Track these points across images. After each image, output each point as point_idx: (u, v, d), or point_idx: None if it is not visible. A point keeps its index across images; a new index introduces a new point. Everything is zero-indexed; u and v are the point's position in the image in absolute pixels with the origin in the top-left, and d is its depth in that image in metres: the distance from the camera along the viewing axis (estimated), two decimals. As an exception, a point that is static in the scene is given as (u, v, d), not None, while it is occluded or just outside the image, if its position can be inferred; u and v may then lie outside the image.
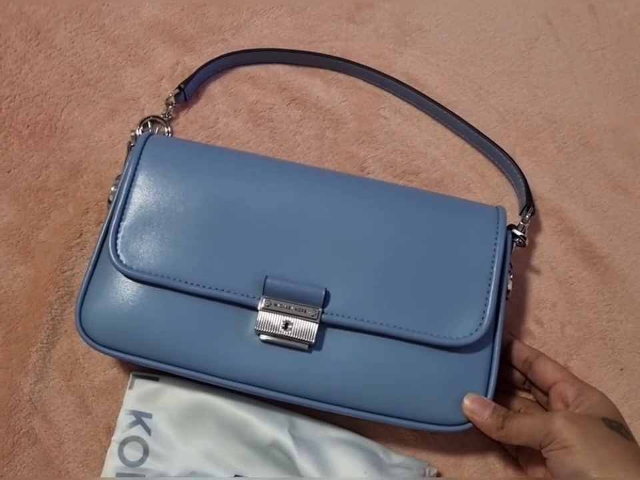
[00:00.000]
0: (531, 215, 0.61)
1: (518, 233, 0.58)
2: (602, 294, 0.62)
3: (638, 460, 0.47)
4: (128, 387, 0.55)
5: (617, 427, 0.49)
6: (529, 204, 0.61)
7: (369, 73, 0.68)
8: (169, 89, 0.66)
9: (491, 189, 0.65)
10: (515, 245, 0.57)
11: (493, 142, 0.65)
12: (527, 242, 0.58)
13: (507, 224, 0.56)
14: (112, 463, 0.53)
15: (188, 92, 0.65)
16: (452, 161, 0.66)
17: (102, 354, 0.56)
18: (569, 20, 0.73)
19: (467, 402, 0.52)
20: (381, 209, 0.55)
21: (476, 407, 0.51)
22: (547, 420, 0.49)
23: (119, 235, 0.53)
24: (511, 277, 0.56)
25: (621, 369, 0.60)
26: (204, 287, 0.52)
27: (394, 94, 0.68)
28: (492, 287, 0.53)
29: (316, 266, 0.53)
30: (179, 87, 0.64)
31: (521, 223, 0.60)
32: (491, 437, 0.51)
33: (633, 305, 0.62)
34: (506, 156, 0.64)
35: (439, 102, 0.67)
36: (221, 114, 0.66)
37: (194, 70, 0.66)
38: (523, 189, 0.62)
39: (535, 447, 0.49)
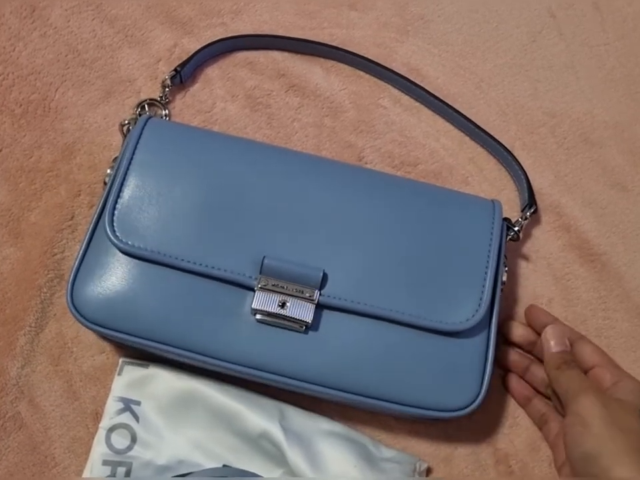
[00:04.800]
0: (532, 213, 0.61)
1: (514, 227, 0.59)
2: (598, 291, 0.62)
3: None
4: (117, 373, 0.54)
5: None
6: (531, 202, 0.61)
7: (368, 64, 0.67)
8: (166, 72, 0.65)
9: (489, 183, 0.65)
10: (508, 238, 0.58)
11: (492, 136, 0.64)
12: (520, 236, 0.59)
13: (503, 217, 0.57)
14: (99, 450, 0.52)
15: (184, 75, 0.64)
16: (451, 153, 0.65)
17: (91, 339, 0.56)
18: (573, 14, 0.72)
19: (550, 329, 0.54)
20: (379, 196, 0.55)
21: (557, 336, 0.53)
22: (580, 392, 0.49)
23: (116, 211, 0.52)
24: (506, 268, 0.56)
25: (616, 368, 0.60)
26: (200, 264, 0.51)
27: (393, 86, 0.67)
28: (488, 275, 0.53)
29: (314, 248, 0.53)
30: (175, 69, 0.63)
31: (519, 220, 0.60)
32: (546, 368, 0.53)
33: (629, 304, 0.61)
34: (506, 151, 0.64)
35: (439, 94, 0.66)
36: (218, 99, 0.65)
37: (191, 53, 0.65)
38: (525, 184, 0.62)
39: (562, 404, 0.50)
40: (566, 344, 0.54)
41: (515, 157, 0.63)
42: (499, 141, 0.64)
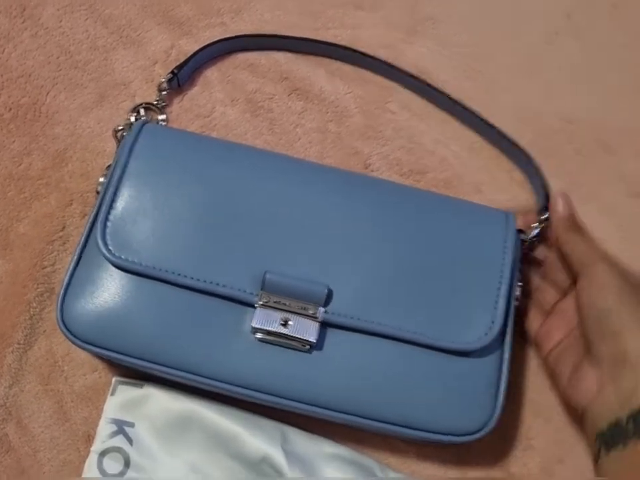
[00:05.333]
0: (546, 219, 0.57)
1: (528, 236, 0.56)
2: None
3: None
4: (110, 393, 0.52)
5: None
6: (546, 205, 0.58)
7: (376, 63, 0.64)
8: (162, 74, 0.62)
9: (502, 191, 0.62)
10: (526, 245, 0.56)
11: (505, 135, 0.62)
12: (536, 244, 0.57)
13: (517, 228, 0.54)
14: (90, 475, 0.50)
15: (182, 78, 0.61)
16: (461, 161, 0.62)
17: (83, 357, 0.54)
18: (590, 15, 0.69)
19: (558, 194, 0.55)
20: (386, 208, 0.53)
21: (563, 202, 0.55)
22: (596, 259, 0.50)
23: (109, 223, 0.50)
24: (520, 283, 0.54)
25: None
26: (198, 280, 0.49)
27: (403, 86, 0.65)
28: (501, 291, 0.51)
29: (318, 263, 0.50)
30: (172, 72, 0.60)
31: (534, 226, 0.57)
32: (556, 232, 0.54)
33: (647, 319, 0.59)
34: (518, 149, 0.61)
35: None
36: (217, 102, 0.63)
37: (189, 54, 0.62)
38: (540, 186, 0.60)
39: (575, 271, 0.51)
40: (574, 209, 0.55)
41: (527, 154, 0.61)
42: (512, 140, 0.62)
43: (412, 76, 0.64)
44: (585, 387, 0.48)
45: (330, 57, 0.65)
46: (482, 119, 0.62)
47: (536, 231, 0.56)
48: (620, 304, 0.47)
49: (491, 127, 0.62)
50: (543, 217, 0.57)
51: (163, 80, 0.60)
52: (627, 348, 0.45)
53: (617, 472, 0.44)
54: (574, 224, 0.54)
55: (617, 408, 0.45)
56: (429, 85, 0.63)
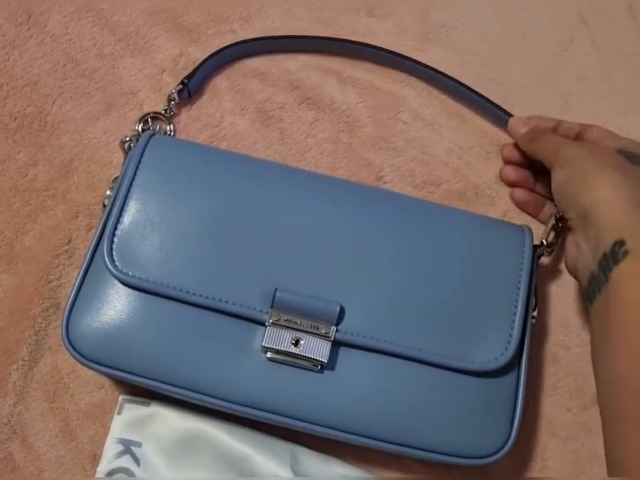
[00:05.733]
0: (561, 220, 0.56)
1: (544, 251, 0.55)
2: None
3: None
4: (116, 411, 0.51)
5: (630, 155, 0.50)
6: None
7: (390, 57, 0.63)
8: (170, 83, 0.61)
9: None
10: (543, 255, 0.55)
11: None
12: (552, 251, 0.56)
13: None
14: (97, 497, 0.49)
15: (192, 87, 0.60)
16: (475, 172, 0.61)
17: (89, 374, 0.53)
18: (606, 21, 0.67)
19: (511, 121, 0.59)
20: (400, 223, 0.51)
21: (516, 124, 0.58)
22: (559, 145, 0.52)
23: (115, 239, 0.49)
24: (535, 299, 0.53)
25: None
26: (207, 297, 0.48)
27: (418, 78, 0.64)
28: (518, 309, 0.50)
29: (329, 280, 0.49)
30: (182, 82, 0.59)
31: (547, 232, 0.56)
32: (523, 150, 0.58)
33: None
34: None
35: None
36: (226, 112, 0.61)
37: (198, 62, 0.61)
38: None
39: (548, 164, 0.53)
40: (529, 124, 0.58)
41: None
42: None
43: (426, 66, 0.63)
44: (571, 256, 0.51)
45: (344, 54, 0.64)
46: (496, 105, 0.62)
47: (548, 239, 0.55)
48: (575, 171, 0.48)
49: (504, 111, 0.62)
50: (558, 223, 0.56)
51: (173, 91, 0.59)
52: (585, 203, 0.46)
53: (596, 316, 0.46)
54: (535, 132, 0.56)
55: (591, 262, 0.47)
56: (444, 75, 0.62)
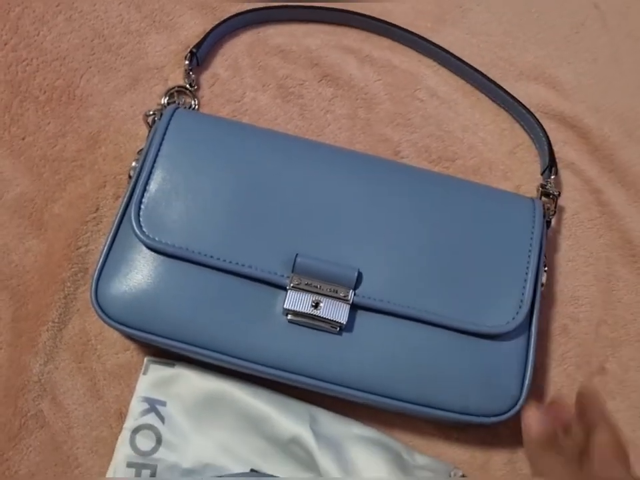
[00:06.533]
0: (554, 175, 0.59)
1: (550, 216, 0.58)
2: (640, 294, 0.59)
3: None
4: (142, 372, 0.53)
5: None
6: (551, 164, 0.60)
7: (409, 36, 0.65)
8: (194, 59, 0.63)
9: (529, 176, 0.62)
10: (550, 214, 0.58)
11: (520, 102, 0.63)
12: (553, 213, 0.58)
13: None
14: (123, 451, 0.50)
15: (200, 56, 0.62)
16: (490, 148, 0.63)
17: (115, 336, 0.55)
18: (618, 4, 0.69)
19: (526, 412, 0.49)
20: (416, 193, 0.53)
21: (530, 420, 0.49)
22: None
23: (142, 206, 0.51)
24: (545, 268, 0.55)
25: (660, 375, 0.57)
26: (230, 262, 0.50)
27: (433, 59, 0.66)
28: (529, 276, 0.52)
29: (348, 247, 0.51)
30: (190, 51, 0.61)
31: (543, 183, 0.59)
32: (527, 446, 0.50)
33: (674, 308, 0.59)
34: (524, 109, 0.63)
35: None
36: (248, 88, 0.63)
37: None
38: (546, 148, 0.61)
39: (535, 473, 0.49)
40: (545, 421, 0.48)
41: (533, 115, 0.62)
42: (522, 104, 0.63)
43: (440, 47, 0.64)
44: None
45: (360, 27, 0.66)
46: (505, 91, 0.63)
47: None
48: None
49: (512, 97, 0.63)
50: (550, 177, 0.59)
51: (187, 62, 0.60)
52: None
53: None
54: (548, 443, 0.47)
55: None
56: (458, 59, 0.64)
